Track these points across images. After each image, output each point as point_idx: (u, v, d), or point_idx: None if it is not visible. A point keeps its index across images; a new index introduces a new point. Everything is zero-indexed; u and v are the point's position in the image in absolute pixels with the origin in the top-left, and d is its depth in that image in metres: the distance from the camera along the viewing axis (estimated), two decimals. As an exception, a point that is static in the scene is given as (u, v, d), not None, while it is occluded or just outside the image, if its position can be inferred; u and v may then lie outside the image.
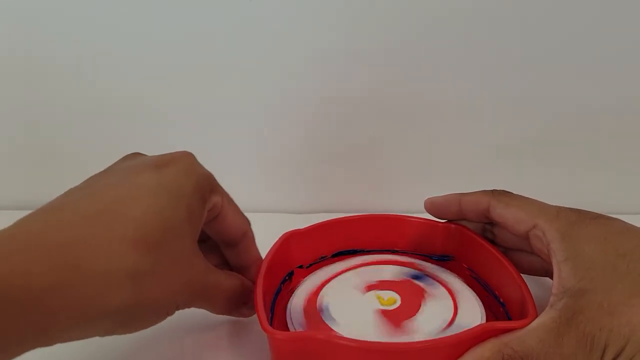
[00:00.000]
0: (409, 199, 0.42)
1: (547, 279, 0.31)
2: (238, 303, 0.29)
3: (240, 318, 0.32)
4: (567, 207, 0.29)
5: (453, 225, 0.34)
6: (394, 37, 0.43)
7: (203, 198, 0.26)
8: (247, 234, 0.30)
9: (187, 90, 0.46)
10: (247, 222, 0.30)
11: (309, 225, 0.34)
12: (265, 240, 0.32)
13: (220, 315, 0.33)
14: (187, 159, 0.26)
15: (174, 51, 0.45)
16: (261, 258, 0.31)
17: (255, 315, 0.26)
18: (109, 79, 0.46)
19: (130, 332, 0.23)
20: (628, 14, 0.42)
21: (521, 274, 0.29)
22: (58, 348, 0.21)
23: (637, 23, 0.42)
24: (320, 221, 0.35)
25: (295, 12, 0.43)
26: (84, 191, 0.24)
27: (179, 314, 0.25)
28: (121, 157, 0.28)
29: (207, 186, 0.26)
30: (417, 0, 0.42)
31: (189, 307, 0.26)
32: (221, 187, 0.28)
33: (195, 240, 0.25)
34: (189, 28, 0.44)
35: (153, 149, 0.46)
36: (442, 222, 0.34)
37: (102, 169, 0.26)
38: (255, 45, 0.44)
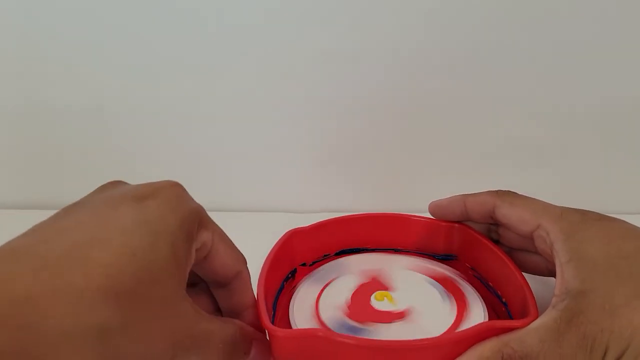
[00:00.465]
0: (411, 199, 0.43)
1: (551, 279, 0.31)
2: (237, 354, 0.24)
3: None
4: (571, 207, 0.29)
5: (456, 225, 0.34)
6: (395, 37, 0.43)
7: (190, 236, 0.22)
8: (240, 274, 0.26)
9: (188, 90, 0.46)
10: (242, 261, 0.26)
11: (312, 223, 0.35)
12: (267, 239, 0.32)
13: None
14: (172, 190, 0.23)
15: (174, 51, 0.45)
16: (257, 303, 0.27)
17: (258, 313, 0.26)
18: (109, 79, 0.46)
19: None
20: (628, 15, 0.42)
21: (524, 274, 0.29)
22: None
23: (637, 24, 0.42)
24: (323, 220, 0.35)
25: (297, 12, 0.43)
26: (48, 230, 0.20)
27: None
28: (101, 184, 0.24)
29: (195, 222, 0.23)
30: (419, 1, 0.42)
31: None
32: (212, 222, 0.24)
33: (182, 285, 0.21)
34: (189, 28, 0.44)
35: (153, 148, 0.46)
36: (445, 222, 0.34)
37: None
38: (255, 45, 0.44)
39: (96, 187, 0.23)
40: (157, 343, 0.20)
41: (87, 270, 0.18)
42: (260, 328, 0.26)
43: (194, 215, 0.23)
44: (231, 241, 0.26)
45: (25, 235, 0.20)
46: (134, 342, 0.19)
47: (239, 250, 0.26)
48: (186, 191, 0.23)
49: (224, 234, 0.25)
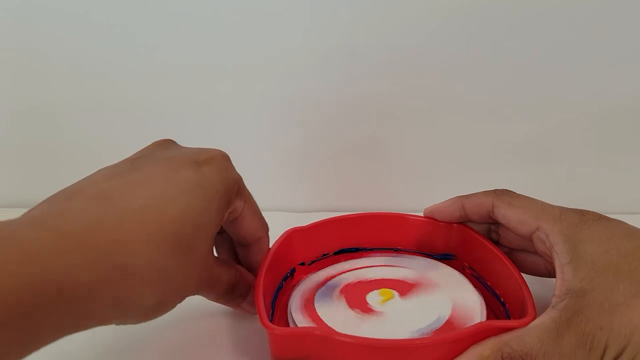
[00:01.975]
0: (410, 199, 0.42)
1: (550, 279, 0.31)
2: (235, 294, 0.29)
3: (241, 313, 0.32)
4: (570, 207, 0.29)
5: (455, 225, 0.34)
6: (395, 37, 0.43)
7: (228, 201, 0.26)
8: (261, 240, 0.30)
9: (188, 89, 0.46)
10: (264, 229, 0.30)
11: (311, 222, 0.35)
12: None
13: (223, 314, 0.33)
14: (223, 160, 0.27)
15: (174, 51, 0.45)
16: None
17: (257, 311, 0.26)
18: (110, 78, 0.46)
19: (145, 321, 0.24)
20: (628, 17, 0.42)
21: (522, 274, 0.29)
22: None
23: (637, 25, 0.42)
24: (322, 219, 0.35)
25: (297, 12, 0.43)
26: (121, 180, 0.23)
27: (182, 309, 0.26)
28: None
29: (234, 190, 0.27)
30: (419, 0, 0.42)
31: (192, 295, 0.26)
32: (247, 191, 0.29)
33: (213, 237, 0.26)
34: (190, 28, 0.44)
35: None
36: (443, 221, 0.34)
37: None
38: (255, 44, 0.44)
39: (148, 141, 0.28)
40: (191, 282, 0.24)
41: (161, 223, 0.22)
42: None
43: (235, 185, 0.27)
44: (259, 211, 0.30)
45: (103, 180, 0.23)
46: (182, 282, 0.23)
47: (263, 219, 0.30)
48: (231, 161, 0.27)
49: (254, 203, 0.30)
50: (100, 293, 0.19)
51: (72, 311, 0.19)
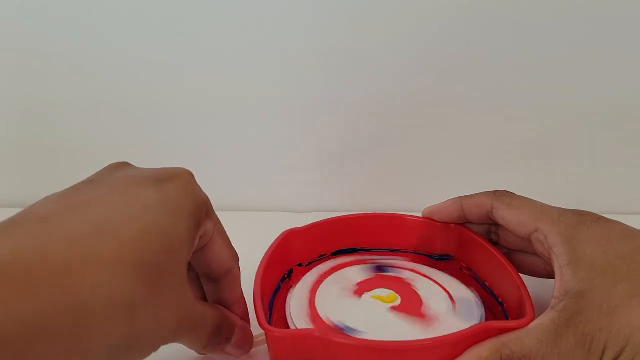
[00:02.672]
0: (409, 199, 0.42)
1: (549, 280, 0.31)
2: (220, 338, 0.26)
3: None
4: (569, 208, 0.29)
5: (452, 225, 0.34)
6: (396, 38, 0.43)
7: (199, 222, 0.23)
8: (232, 271, 0.27)
9: (187, 89, 0.46)
10: (235, 258, 0.27)
11: (308, 223, 0.34)
12: (265, 238, 0.32)
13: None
14: (187, 177, 0.24)
15: (174, 50, 0.45)
16: (243, 299, 0.28)
17: (255, 314, 0.26)
18: (109, 77, 0.46)
19: None
20: (628, 17, 0.42)
21: (521, 274, 0.29)
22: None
23: (637, 25, 0.42)
24: (319, 220, 0.35)
25: (297, 11, 0.43)
26: (70, 202, 0.20)
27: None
28: (108, 164, 0.25)
29: (204, 210, 0.24)
30: (420, 0, 0.42)
31: (173, 342, 0.22)
32: (215, 215, 0.25)
33: (187, 267, 0.22)
34: (190, 27, 0.44)
35: (152, 148, 0.46)
36: (441, 222, 0.34)
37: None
38: (255, 44, 0.44)
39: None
40: (168, 321, 0.21)
41: (119, 244, 0.19)
42: (245, 321, 0.28)
43: (204, 204, 0.24)
44: (228, 237, 0.27)
45: (50, 202, 0.20)
46: (153, 316, 0.20)
47: (233, 248, 0.27)
48: (196, 180, 0.24)
49: (223, 228, 0.26)
50: (43, 332, 0.16)
51: (15, 358, 0.15)
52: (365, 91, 0.45)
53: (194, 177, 0.24)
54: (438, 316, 0.29)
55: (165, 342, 0.21)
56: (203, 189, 0.25)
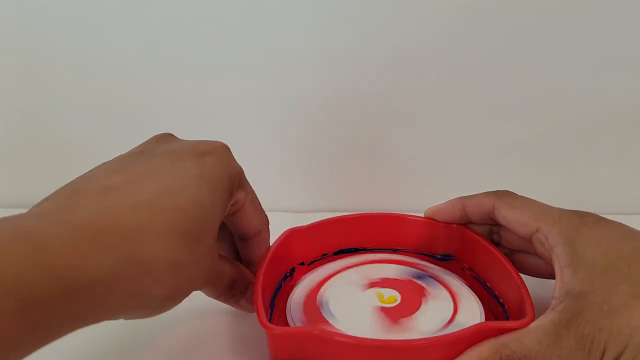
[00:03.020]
0: (410, 199, 0.42)
1: (550, 280, 0.31)
2: (234, 291, 0.29)
3: (240, 313, 0.32)
4: (570, 209, 0.29)
5: (454, 225, 0.34)
6: (396, 37, 0.43)
7: (230, 192, 0.26)
8: (261, 233, 0.30)
9: (188, 89, 0.46)
10: (265, 222, 0.30)
11: (310, 223, 0.35)
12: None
13: (222, 313, 0.33)
14: (224, 151, 0.27)
15: (174, 50, 0.45)
16: None
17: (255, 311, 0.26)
18: (109, 77, 0.46)
19: (152, 316, 0.23)
20: (628, 17, 0.42)
21: (522, 275, 0.29)
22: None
23: (637, 25, 0.42)
24: (321, 219, 0.35)
25: (297, 11, 0.43)
26: (128, 173, 0.23)
27: (182, 308, 0.25)
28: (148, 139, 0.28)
29: (237, 182, 0.27)
30: (420, 0, 0.42)
31: (197, 290, 0.26)
32: (248, 184, 0.29)
33: (217, 230, 0.26)
34: (190, 27, 0.44)
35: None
36: (443, 222, 0.34)
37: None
38: (256, 44, 0.44)
39: (147, 139, 0.28)
40: (199, 275, 0.24)
41: (171, 214, 0.22)
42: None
43: (237, 176, 0.27)
44: (259, 204, 0.30)
45: (107, 174, 0.23)
46: (191, 274, 0.23)
47: (264, 213, 0.30)
48: (231, 153, 0.27)
49: (255, 196, 0.29)
50: (113, 284, 0.19)
51: (85, 302, 0.18)
52: (365, 91, 0.45)
53: (230, 151, 0.27)
54: (412, 329, 0.28)
55: (193, 291, 0.25)
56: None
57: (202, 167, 0.25)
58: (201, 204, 0.23)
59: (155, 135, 0.28)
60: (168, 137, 0.28)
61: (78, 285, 0.18)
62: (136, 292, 0.21)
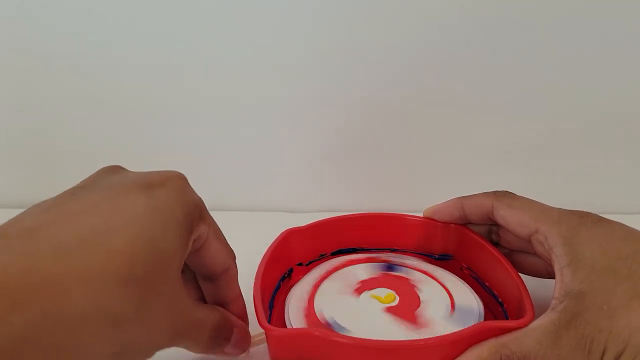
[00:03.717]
0: (409, 199, 0.42)
1: (550, 280, 0.31)
2: (220, 339, 0.26)
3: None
4: (569, 209, 0.29)
5: (453, 225, 0.34)
6: (395, 37, 0.43)
7: (191, 227, 0.23)
8: (229, 270, 0.27)
9: (188, 89, 0.46)
10: (232, 257, 0.27)
11: (308, 223, 0.34)
12: (264, 238, 0.32)
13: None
14: (178, 181, 0.23)
15: (174, 50, 0.45)
16: (241, 296, 0.28)
17: (254, 313, 0.26)
18: (109, 78, 0.46)
19: None
20: (628, 17, 0.42)
21: (521, 274, 0.29)
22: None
23: (637, 26, 0.42)
24: (319, 219, 0.35)
25: (296, 11, 0.43)
26: (58, 212, 0.20)
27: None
28: (100, 168, 0.24)
29: (197, 214, 0.23)
30: (420, 0, 0.42)
31: (170, 347, 0.22)
32: (210, 216, 0.25)
33: (180, 273, 0.22)
34: (190, 27, 0.44)
35: (151, 148, 0.46)
36: (441, 222, 0.34)
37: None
38: (256, 44, 0.44)
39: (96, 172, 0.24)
40: (161, 329, 0.20)
41: (106, 256, 0.18)
42: (243, 319, 0.28)
43: (196, 208, 0.23)
44: (224, 237, 0.26)
45: (35, 213, 0.20)
46: (143, 328, 0.19)
47: (229, 247, 0.27)
48: (188, 183, 0.24)
49: (219, 229, 0.26)
50: (27, 348, 0.16)
51: None
52: (365, 91, 0.45)
53: (186, 180, 0.24)
54: (430, 321, 0.28)
55: (161, 348, 0.21)
56: (203, 189, 0.25)
57: (152, 201, 0.21)
58: (151, 243, 0.20)
59: (103, 168, 0.24)
60: (116, 170, 0.24)
61: None
62: (64, 354, 0.17)
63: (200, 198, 0.24)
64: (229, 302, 0.27)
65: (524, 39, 0.43)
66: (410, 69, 0.44)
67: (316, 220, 0.35)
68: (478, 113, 0.46)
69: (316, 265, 0.34)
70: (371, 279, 0.32)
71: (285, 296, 0.32)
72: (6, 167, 0.49)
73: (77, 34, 0.44)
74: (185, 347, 0.24)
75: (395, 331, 0.28)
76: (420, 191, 0.36)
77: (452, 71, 0.44)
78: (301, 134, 0.47)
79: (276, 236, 0.32)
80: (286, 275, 0.34)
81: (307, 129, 0.47)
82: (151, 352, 0.21)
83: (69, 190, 0.22)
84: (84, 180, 0.23)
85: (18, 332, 0.16)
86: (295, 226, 0.34)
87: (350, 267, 0.34)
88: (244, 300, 0.28)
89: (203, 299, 0.28)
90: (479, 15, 0.42)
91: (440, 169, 0.48)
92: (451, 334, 0.25)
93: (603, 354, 0.23)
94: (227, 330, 0.26)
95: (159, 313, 0.20)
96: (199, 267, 0.26)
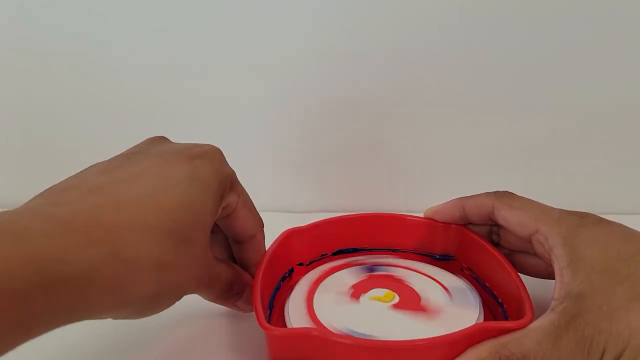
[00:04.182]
0: (409, 199, 0.42)
1: (550, 281, 0.31)
2: (232, 293, 0.29)
3: (240, 313, 0.32)
4: (569, 210, 0.29)
5: (453, 225, 0.34)
6: (395, 37, 0.43)
7: (222, 194, 0.26)
8: (256, 236, 0.30)
9: (187, 89, 0.46)
10: (259, 225, 0.30)
11: (309, 223, 0.34)
12: (266, 238, 0.32)
13: (221, 314, 0.33)
14: (216, 154, 0.27)
15: (174, 51, 0.45)
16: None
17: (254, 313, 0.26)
18: (109, 78, 0.46)
19: (142, 317, 0.23)
20: (628, 17, 0.42)
21: (521, 275, 0.29)
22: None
23: (637, 26, 0.42)
24: (320, 219, 0.35)
25: (297, 11, 0.43)
26: (117, 173, 0.24)
27: (181, 309, 0.26)
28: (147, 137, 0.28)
29: (228, 184, 0.27)
30: (420, 0, 0.42)
31: (192, 293, 0.26)
32: (240, 187, 0.29)
33: (209, 232, 0.26)
34: (190, 27, 0.44)
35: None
36: (442, 222, 0.34)
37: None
38: (255, 44, 0.44)
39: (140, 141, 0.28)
40: (190, 278, 0.24)
41: (156, 212, 0.22)
42: None
43: (228, 179, 0.27)
44: (253, 206, 0.30)
45: (98, 174, 0.24)
46: (178, 275, 0.23)
47: (258, 215, 0.30)
48: (224, 156, 0.28)
49: (248, 199, 0.29)
50: (95, 279, 0.19)
51: (67, 296, 0.18)
52: (365, 91, 0.45)
53: (222, 154, 0.28)
54: (439, 307, 0.29)
55: (187, 293, 0.25)
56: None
57: (193, 169, 0.25)
58: (190, 205, 0.24)
59: (150, 138, 0.28)
60: (161, 140, 0.28)
61: (59, 278, 0.18)
62: (119, 289, 0.20)
63: (233, 170, 0.28)
64: (252, 264, 0.30)
65: (524, 39, 0.43)
66: (410, 68, 0.44)
67: (317, 220, 0.35)
68: (478, 113, 0.46)
69: (317, 266, 0.34)
70: (360, 282, 0.32)
71: (286, 296, 0.32)
72: (6, 167, 0.50)
73: (77, 34, 0.44)
74: (203, 295, 0.28)
75: (415, 325, 0.28)
76: (420, 191, 0.36)
77: (452, 71, 0.44)
78: (301, 133, 0.47)
79: (277, 236, 0.32)
80: (287, 275, 0.34)
81: (307, 128, 0.47)
82: (180, 296, 0.24)
83: (124, 154, 0.26)
84: (135, 147, 0.27)
85: (91, 263, 0.19)
86: (296, 226, 0.34)
87: (335, 275, 0.33)
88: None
89: (232, 259, 0.31)
90: (479, 15, 0.42)
91: (440, 169, 0.48)
92: (451, 334, 0.25)
93: (603, 354, 0.23)
94: (239, 286, 0.30)
95: (190, 263, 0.24)
96: (230, 230, 0.30)
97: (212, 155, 0.27)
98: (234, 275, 0.29)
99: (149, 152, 0.26)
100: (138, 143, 0.28)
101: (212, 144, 0.28)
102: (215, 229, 0.30)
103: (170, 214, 0.23)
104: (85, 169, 0.25)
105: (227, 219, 0.29)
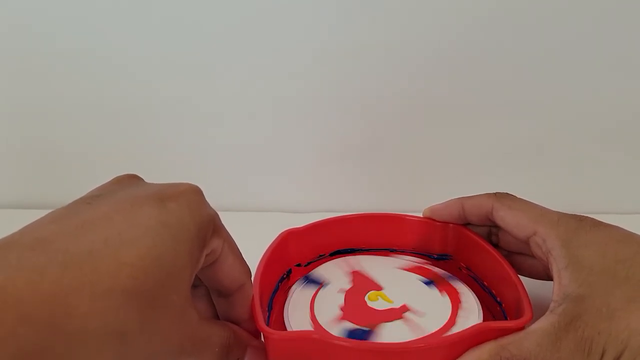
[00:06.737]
0: (408, 199, 0.42)
1: (549, 282, 0.31)
2: (230, 358, 0.25)
3: None
4: (568, 213, 0.29)
5: (451, 225, 0.34)
6: (395, 37, 0.43)
7: (204, 242, 0.23)
8: (244, 287, 0.26)
9: (189, 90, 0.46)
10: (247, 273, 0.26)
11: (307, 223, 0.34)
12: (262, 239, 0.32)
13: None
14: (193, 195, 0.23)
15: (176, 51, 0.44)
16: None
17: (253, 315, 0.26)
18: (110, 78, 0.46)
19: None
20: (628, 17, 0.42)
21: (518, 274, 0.29)
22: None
23: (637, 25, 0.42)
24: (318, 220, 0.35)
25: (297, 10, 0.43)
26: (69, 222, 0.19)
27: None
28: (114, 176, 0.24)
29: (210, 228, 0.23)
30: (419, 1, 0.42)
31: None
32: (224, 230, 0.25)
33: (189, 289, 0.22)
34: (191, 27, 0.44)
35: (151, 148, 0.46)
36: (440, 222, 0.34)
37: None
38: (257, 45, 0.44)
39: (109, 180, 0.24)
40: (166, 346, 0.20)
41: (115, 271, 0.18)
42: (258, 338, 0.27)
43: (210, 222, 0.23)
44: (239, 252, 0.26)
45: (48, 223, 0.19)
46: (148, 344, 0.19)
47: (245, 262, 0.26)
48: (204, 196, 0.24)
49: (234, 243, 0.25)
50: (37, 358, 0.16)
51: None
52: (365, 91, 0.45)
53: (201, 194, 0.24)
54: (439, 307, 0.30)
55: None
56: (202, 189, 0.24)
57: (165, 214, 0.21)
58: (159, 258, 0.19)
59: (118, 177, 0.24)
60: (131, 180, 0.24)
61: None
62: None
63: (215, 212, 0.24)
64: (244, 319, 0.26)
65: (524, 39, 0.43)
66: (410, 69, 0.44)
67: (314, 220, 0.35)
68: (478, 114, 0.46)
69: (315, 267, 0.34)
70: (360, 282, 0.32)
71: (284, 298, 0.32)
72: (7, 167, 0.49)
73: (77, 35, 0.44)
74: None
75: (415, 326, 0.28)
76: (420, 191, 0.36)
77: (453, 71, 0.44)
78: (300, 134, 0.47)
79: (275, 237, 0.32)
80: (285, 276, 0.33)
81: (307, 129, 0.47)
82: None
83: (84, 197, 0.22)
84: (100, 188, 0.23)
85: (25, 345, 0.16)
86: (294, 227, 0.34)
87: (334, 275, 0.33)
88: None
89: (217, 316, 0.27)
90: (479, 16, 0.42)
91: (440, 169, 0.48)
92: (449, 335, 0.25)
93: (602, 356, 0.23)
94: (240, 348, 0.25)
95: (164, 328, 0.20)
96: (213, 282, 0.26)
97: (189, 196, 0.22)
98: (230, 337, 0.24)
99: (114, 194, 0.22)
100: (103, 183, 0.23)
101: (190, 182, 0.24)
102: (197, 282, 0.26)
103: (132, 272, 0.18)
104: (38, 218, 0.20)
105: (210, 269, 0.25)
